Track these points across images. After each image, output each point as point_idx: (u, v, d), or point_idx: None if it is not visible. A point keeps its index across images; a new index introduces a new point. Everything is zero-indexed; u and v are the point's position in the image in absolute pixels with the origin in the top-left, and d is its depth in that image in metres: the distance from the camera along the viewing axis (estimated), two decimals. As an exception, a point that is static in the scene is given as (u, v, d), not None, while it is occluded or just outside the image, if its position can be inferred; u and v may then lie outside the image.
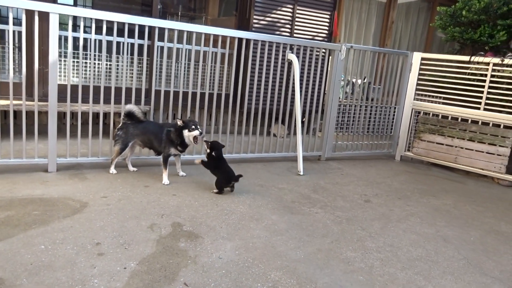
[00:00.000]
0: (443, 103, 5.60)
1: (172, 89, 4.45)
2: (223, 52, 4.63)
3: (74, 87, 4.08)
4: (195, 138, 3.87)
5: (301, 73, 4.98)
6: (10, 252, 2.39)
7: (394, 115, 5.96)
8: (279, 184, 4.19)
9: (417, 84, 5.76)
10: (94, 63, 5.66)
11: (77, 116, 4.66)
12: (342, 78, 7.04)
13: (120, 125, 4.05)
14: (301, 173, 4.61)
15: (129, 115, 4.01)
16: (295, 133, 5.20)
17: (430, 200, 4.18)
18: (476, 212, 3.96)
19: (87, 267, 2.31)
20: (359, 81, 5.80)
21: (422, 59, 5.72)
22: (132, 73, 4.42)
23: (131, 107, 4.02)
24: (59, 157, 3.97)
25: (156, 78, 4.43)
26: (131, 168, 4.15)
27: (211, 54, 4.52)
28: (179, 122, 3.88)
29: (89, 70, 5.71)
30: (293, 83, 4.89)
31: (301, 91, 4.96)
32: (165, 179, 3.87)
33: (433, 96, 5.72)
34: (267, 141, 5.20)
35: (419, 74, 5.74)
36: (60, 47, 3.91)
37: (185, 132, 3.86)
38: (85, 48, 5.50)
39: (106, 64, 5.60)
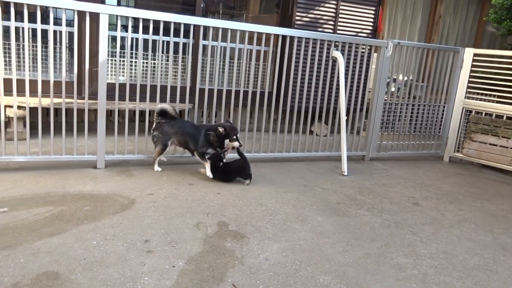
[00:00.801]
0: (497, 102, 5.30)
1: (216, 87, 4.46)
2: (266, 50, 4.60)
3: (122, 86, 4.18)
4: (233, 148, 3.96)
5: (346, 70, 4.85)
6: (65, 247, 2.46)
7: (443, 114, 5.71)
8: (323, 185, 4.10)
9: (469, 82, 5.49)
10: (140, 62, 5.79)
11: (123, 114, 4.78)
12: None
13: (154, 125, 4.08)
14: (345, 174, 4.50)
15: (163, 113, 4.04)
16: (337, 132, 5.10)
17: (484, 204, 3.97)
18: (535, 218, 3.72)
19: (137, 264, 2.34)
20: (401, 78, 5.59)
21: (475, 55, 5.44)
22: (176, 72, 4.47)
23: (164, 105, 4.05)
24: (107, 154, 4.07)
25: (200, 76, 4.46)
26: (157, 167, 4.10)
27: (255, 52, 4.47)
28: (221, 130, 3.89)
29: (135, 69, 5.84)
30: (337, 81, 4.78)
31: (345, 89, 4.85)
32: (209, 172, 3.93)
33: (486, 95, 5.43)
34: (309, 140, 5.12)
35: (471, 71, 5.46)
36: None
37: (226, 141, 3.93)
38: (131, 47, 5.62)
39: (152, 63, 5.70)
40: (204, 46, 5.70)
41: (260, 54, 5.40)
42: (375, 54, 5.35)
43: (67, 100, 4.00)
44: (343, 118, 4.63)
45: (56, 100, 4.05)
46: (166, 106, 4.06)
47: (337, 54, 4.67)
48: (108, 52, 4.14)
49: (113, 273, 2.23)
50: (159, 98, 4.21)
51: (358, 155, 5.31)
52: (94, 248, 2.48)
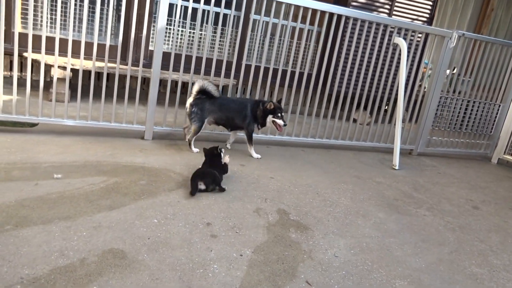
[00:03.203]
0: (560, 106, 4.99)
1: (263, 64, 4.22)
2: (318, 31, 4.34)
3: (166, 55, 3.98)
4: (277, 125, 3.79)
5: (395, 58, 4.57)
6: (126, 223, 2.33)
7: (497, 113, 5.42)
8: (375, 178, 3.91)
9: (530, 82, 5.17)
10: (193, 33, 5.57)
11: (172, 85, 4.61)
12: (430, 67, 6.52)
13: (192, 100, 3.70)
14: (397, 168, 4.30)
15: (203, 91, 3.70)
16: (382, 122, 4.87)
17: (546, 214, 3.75)
18: None
19: (204, 250, 2.20)
20: (447, 72, 5.28)
21: (541, 54, 5.10)
22: (223, 45, 4.25)
23: (205, 83, 3.68)
24: (155, 125, 3.92)
25: (246, 52, 4.24)
26: (228, 145, 4.02)
27: (307, 31, 4.22)
28: (270, 105, 3.74)
29: (192, 39, 5.63)
30: (388, 69, 4.54)
31: (389, 77, 4.62)
32: (255, 154, 3.85)
33: (548, 97, 5.12)
34: (354, 128, 4.90)
35: (534, 71, 5.14)
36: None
37: (269, 117, 3.77)
38: (184, 17, 5.39)
39: (199, 34, 5.49)
40: (255, 21, 5.45)
41: (311, 34, 5.15)
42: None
43: (114, 65, 3.83)
44: (401, 109, 4.39)
45: (102, 64, 3.88)
46: (209, 85, 3.69)
47: (399, 40, 4.40)
48: (166, 20, 3.92)
49: (181, 257, 2.10)
50: (203, 71, 4.02)
51: (406, 148, 5.08)
52: (156, 227, 2.35)
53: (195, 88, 3.71)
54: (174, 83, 5.30)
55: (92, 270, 1.88)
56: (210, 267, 2.06)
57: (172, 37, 4.43)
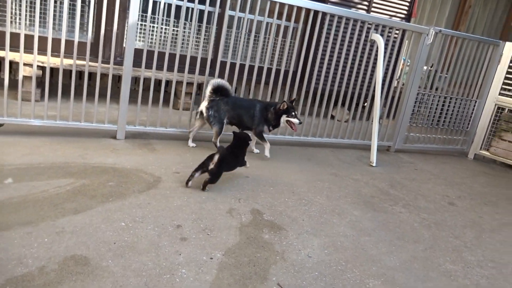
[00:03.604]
0: (534, 102, 5.06)
1: (238, 61, 4.14)
2: (295, 27, 4.28)
3: (139, 52, 3.87)
4: (292, 124, 3.76)
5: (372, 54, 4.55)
6: (91, 227, 2.24)
7: (473, 109, 5.47)
8: (353, 175, 3.89)
9: (505, 78, 5.22)
10: (165, 28, 5.46)
11: (144, 83, 4.50)
12: (408, 63, 6.55)
13: (207, 103, 3.70)
14: (374, 165, 4.29)
15: (218, 90, 3.70)
16: (360, 119, 4.86)
17: (520, 209, 3.78)
18: None
19: (172, 253, 2.13)
20: (424, 68, 5.30)
21: (516, 50, 5.15)
22: (198, 42, 4.16)
23: (221, 81, 3.71)
24: (128, 124, 3.81)
25: (222, 49, 4.16)
26: (191, 144, 3.91)
27: (283, 27, 4.18)
28: (283, 106, 3.71)
29: (164, 36, 5.51)
30: (365, 66, 4.53)
31: (366, 74, 4.61)
32: (267, 152, 3.84)
33: (522, 93, 5.18)
34: (332, 125, 4.86)
35: (509, 67, 5.19)
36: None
37: (283, 117, 3.74)
38: (154, 12, 5.27)
39: (173, 30, 5.38)
40: (231, 18, 5.37)
41: (288, 31, 5.10)
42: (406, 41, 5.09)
43: (84, 62, 3.70)
44: (378, 106, 4.37)
45: (79, 62, 3.75)
46: (224, 82, 3.74)
47: (377, 37, 4.37)
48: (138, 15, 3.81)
49: (147, 261, 2.02)
50: (177, 67, 3.93)
51: (383, 145, 5.08)
52: (123, 230, 2.26)
53: (209, 88, 3.70)
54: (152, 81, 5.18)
55: (52, 279, 1.79)
56: (178, 272, 1.99)
57: (151, 34, 4.29)
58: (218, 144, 3.70)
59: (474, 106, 5.46)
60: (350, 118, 4.99)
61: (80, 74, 4.99)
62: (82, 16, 4.66)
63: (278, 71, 4.38)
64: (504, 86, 5.26)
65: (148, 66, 3.83)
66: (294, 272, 2.15)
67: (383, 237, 2.73)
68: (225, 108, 3.73)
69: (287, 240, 2.47)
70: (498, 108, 5.33)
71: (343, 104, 5.02)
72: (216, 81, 3.69)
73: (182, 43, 5.36)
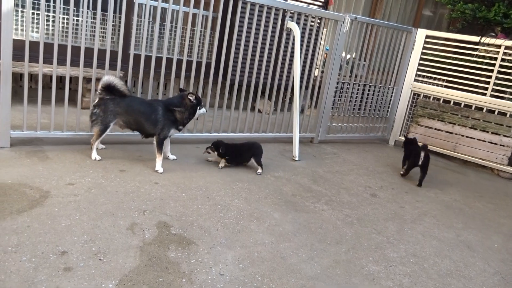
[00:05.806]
0: (446, 87, 5.21)
1: (154, 54, 3.75)
2: (212, 16, 3.96)
3: (34, 44, 3.34)
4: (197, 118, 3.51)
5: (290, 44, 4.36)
6: None
7: (391, 96, 5.53)
8: (274, 172, 3.68)
9: (419, 65, 5.33)
10: (61, 18, 4.84)
11: (36, 79, 3.92)
12: (327, 51, 6.51)
13: (96, 101, 3.23)
14: (297, 159, 4.12)
15: (108, 88, 3.18)
16: (282, 110, 4.68)
17: (438, 195, 3.82)
18: (488, 210, 3.64)
19: (50, 291, 1.73)
20: (347, 56, 5.27)
21: (427, 37, 5.26)
22: (105, 33, 3.69)
23: (111, 78, 3.18)
24: (14, 129, 3.26)
25: (134, 41, 3.73)
26: (99, 145, 3.43)
27: (202, 17, 3.83)
28: (192, 98, 3.31)
29: (53, 25, 4.87)
30: (283, 55, 4.33)
31: (285, 64, 4.43)
32: (159, 166, 3.23)
33: (435, 79, 5.31)
34: (252, 117, 4.62)
35: (422, 54, 5.29)
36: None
37: (198, 110, 3.44)
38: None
39: (74, 20, 4.78)
40: (140, 6, 4.89)
41: (205, 20, 4.76)
42: (325, 29, 4.98)
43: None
44: (297, 96, 4.20)
45: None
46: (115, 79, 3.18)
47: (292, 25, 4.18)
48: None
49: (14, 307, 1.62)
50: (83, 62, 3.45)
51: (307, 137, 4.96)
52: (-13, 267, 1.82)
53: (100, 85, 3.18)
54: (49, 78, 4.57)
55: None
56: (53, 316, 1.61)
57: (47, 24, 3.71)
58: (98, 146, 3.30)
59: (392, 93, 5.53)
60: (271, 111, 4.78)
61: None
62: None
63: (199, 63, 4.03)
64: (418, 73, 5.37)
65: (34, 60, 3.29)
66: (202, 297, 1.87)
67: (303, 241, 2.53)
68: (115, 110, 3.22)
69: (196, 256, 2.17)
70: (414, 94, 5.44)
71: (265, 95, 4.79)
72: (106, 78, 3.18)
73: (76, 33, 4.80)
